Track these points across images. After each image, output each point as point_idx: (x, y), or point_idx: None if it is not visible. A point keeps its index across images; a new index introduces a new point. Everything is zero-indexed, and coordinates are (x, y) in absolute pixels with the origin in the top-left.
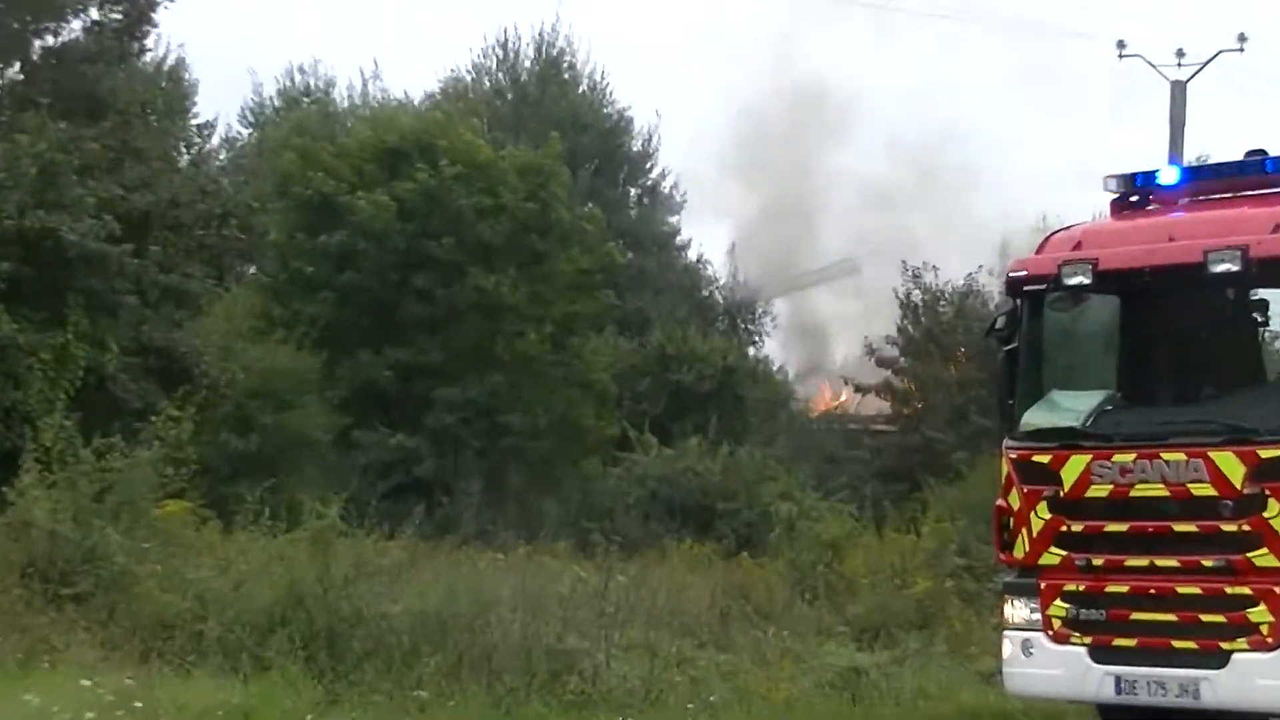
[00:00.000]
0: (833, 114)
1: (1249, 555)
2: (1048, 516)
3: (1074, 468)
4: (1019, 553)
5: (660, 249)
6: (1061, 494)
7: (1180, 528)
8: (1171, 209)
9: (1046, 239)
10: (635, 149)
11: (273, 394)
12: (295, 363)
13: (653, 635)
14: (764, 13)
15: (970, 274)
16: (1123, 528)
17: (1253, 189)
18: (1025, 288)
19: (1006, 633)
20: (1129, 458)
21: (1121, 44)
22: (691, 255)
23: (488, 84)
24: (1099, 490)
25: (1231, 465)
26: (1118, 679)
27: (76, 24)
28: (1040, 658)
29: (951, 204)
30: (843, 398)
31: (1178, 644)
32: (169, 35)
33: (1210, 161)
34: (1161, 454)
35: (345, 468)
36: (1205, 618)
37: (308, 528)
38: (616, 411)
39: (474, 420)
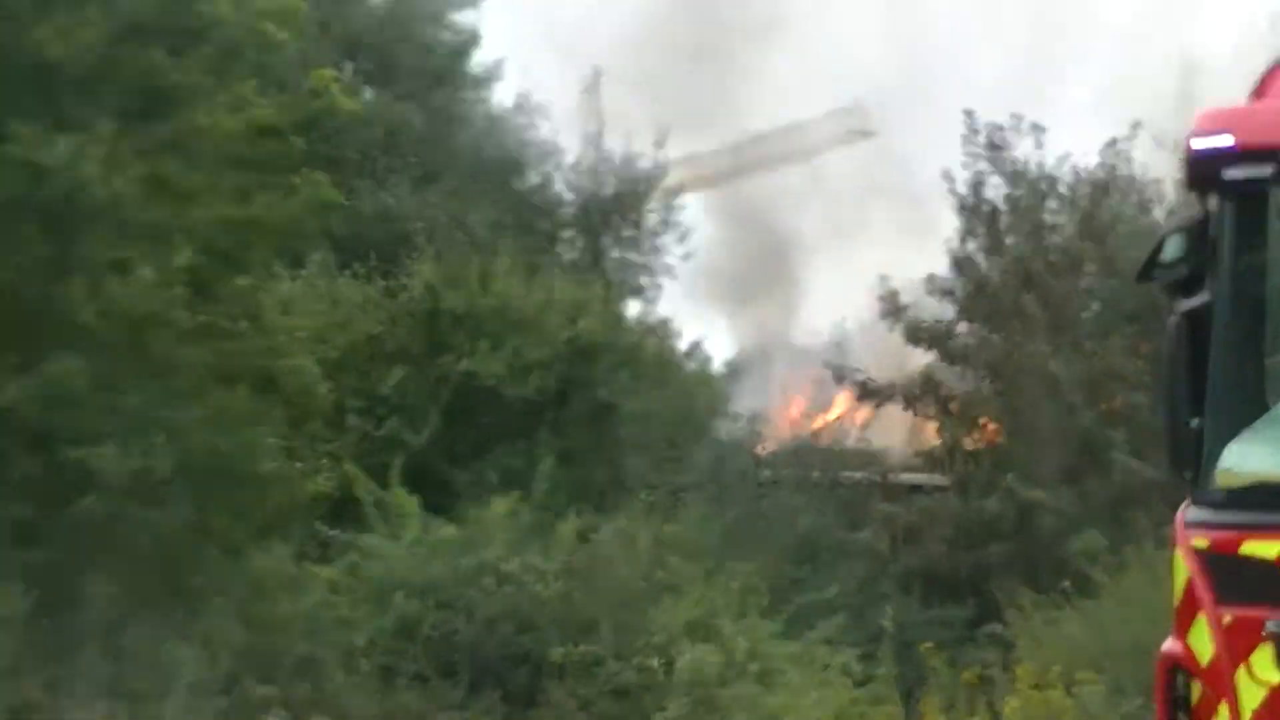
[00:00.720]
0: None
1: None
2: (1278, 680)
3: None
4: None
5: (437, 81)
6: None
7: None
8: None
9: (1270, 74)
10: None
11: None
12: None
13: None
14: None
15: (1111, 143)
16: None
17: None
18: (1229, 174)
19: None
20: None
21: None
22: (504, 95)
23: None
24: None
25: None
26: None
27: None
28: None
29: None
30: (835, 412)
31: None
32: None
33: None
34: None
35: None
36: None
37: None
38: (333, 440)
39: (10, 453)
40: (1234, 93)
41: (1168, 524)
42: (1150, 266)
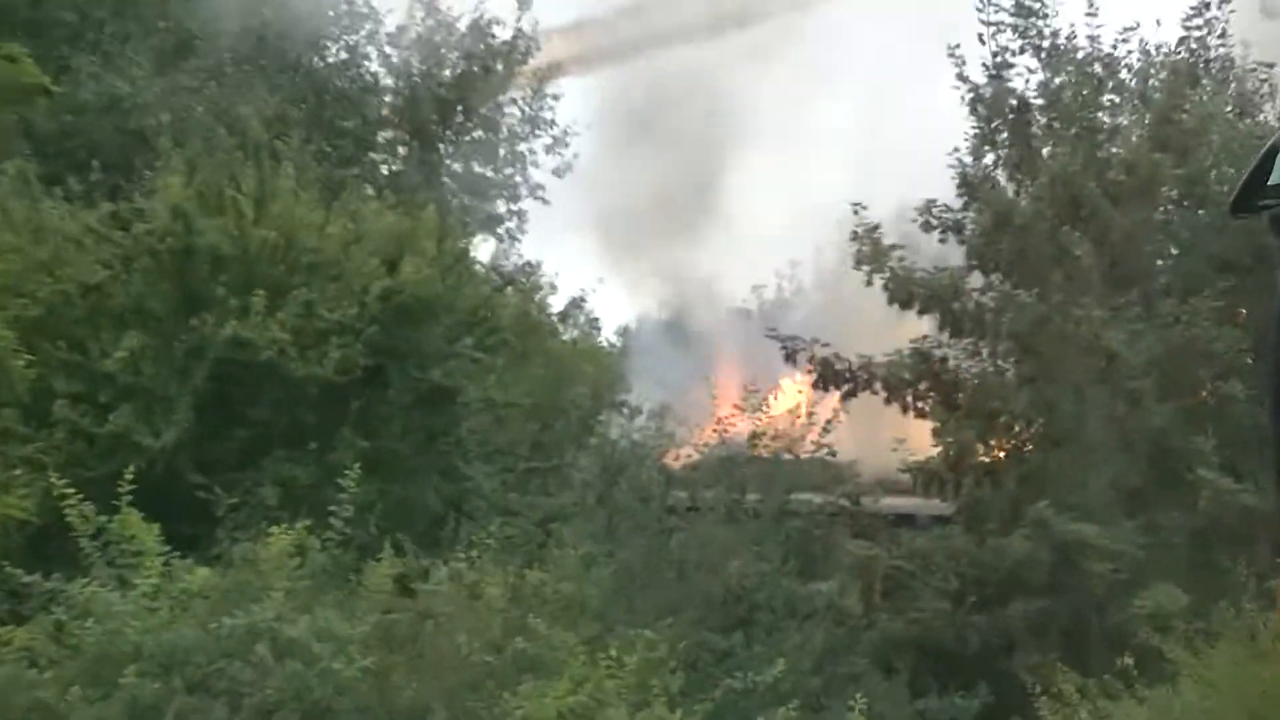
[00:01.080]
0: None
1: None
2: None
3: None
4: None
5: None
6: None
7: None
8: None
9: None
10: None
11: None
12: None
13: None
14: None
15: (1198, 11)
16: None
17: None
18: None
19: None
20: None
21: None
22: None
23: None
24: None
25: None
26: None
27: None
28: None
29: None
30: (783, 406)
31: None
32: None
33: None
34: None
35: None
36: None
37: None
38: (32, 440)
39: None
40: None
41: (1276, 574)
42: (1253, 191)
